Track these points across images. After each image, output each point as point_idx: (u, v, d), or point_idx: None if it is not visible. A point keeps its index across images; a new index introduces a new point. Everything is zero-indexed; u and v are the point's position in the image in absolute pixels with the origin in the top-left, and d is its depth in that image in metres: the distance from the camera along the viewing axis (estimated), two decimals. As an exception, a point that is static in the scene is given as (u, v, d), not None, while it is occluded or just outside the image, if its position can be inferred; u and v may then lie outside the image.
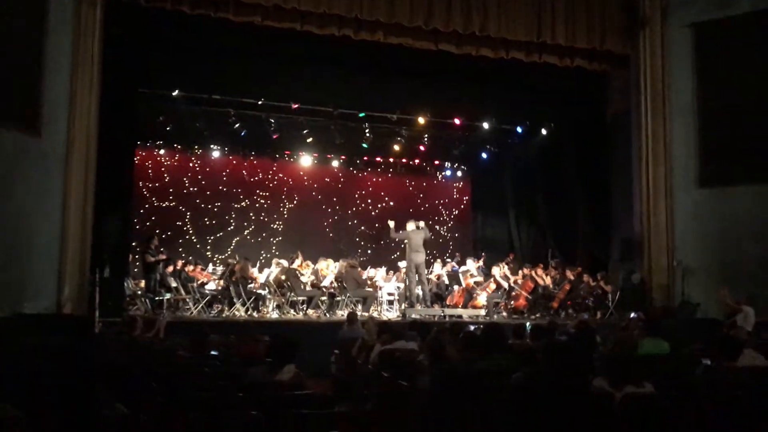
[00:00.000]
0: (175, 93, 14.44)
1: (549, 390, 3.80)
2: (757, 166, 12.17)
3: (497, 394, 4.10)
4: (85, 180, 11.14)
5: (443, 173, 20.42)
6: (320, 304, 13.57)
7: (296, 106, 15.25)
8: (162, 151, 17.70)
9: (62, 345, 6.30)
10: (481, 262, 15.93)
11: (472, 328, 9.20)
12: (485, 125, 16.61)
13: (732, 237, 12.40)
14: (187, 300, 13.24)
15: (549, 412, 2.50)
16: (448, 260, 17.21)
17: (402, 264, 14.71)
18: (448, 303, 14.41)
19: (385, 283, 14.94)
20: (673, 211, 13.04)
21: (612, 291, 13.88)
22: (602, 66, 13.94)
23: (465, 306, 14.05)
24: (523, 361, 5.23)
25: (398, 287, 14.55)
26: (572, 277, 14.47)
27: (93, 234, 11.27)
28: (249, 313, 12.80)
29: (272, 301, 13.40)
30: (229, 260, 14.82)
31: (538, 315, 13.75)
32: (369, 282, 14.62)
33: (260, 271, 14.82)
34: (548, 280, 14.65)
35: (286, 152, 18.44)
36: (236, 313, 12.79)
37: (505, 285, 14.48)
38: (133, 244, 14.62)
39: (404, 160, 19.46)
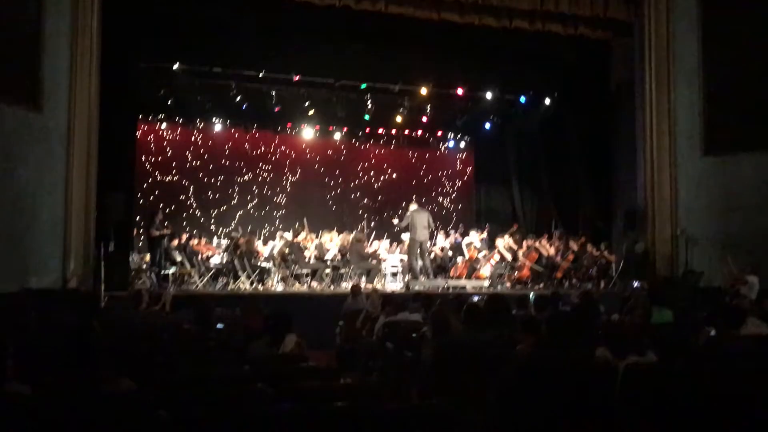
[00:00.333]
0: (176, 66, 14.34)
1: (553, 360, 3.82)
2: (762, 134, 12.07)
3: (501, 365, 4.12)
4: (88, 154, 11.14)
5: (446, 144, 20.32)
6: (324, 276, 13.61)
7: (297, 78, 15.14)
8: (164, 125, 17.63)
9: (68, 320, 6.36)
10: (484, 234, 15.93)
11: (475, 299, 9.25)
12: (488, 95, 16.48)
13: (736, 206, 12.35)
14: (193, 274, 13.30)
15: (553, 383, 2.51)
16: (452, 232, 17.21)
17: (405, 236, 14.71)
18: (451, 275, 14.42)
19: (389, 255, 14.96)
20: (677, 180, 12.99)
21: (615, 261, 13.90)
22: (606, 34, 13.81)
23: (468, 277, 14.08)
24: (527, 332, 5.25)
25: (402, 259, 14.56)
26: (576, 248, 14.48)
27: (97, 209, 11.30)
28: (254, 286, 12.86)
29: (277, 274, 13.45)
30: (233, 234, 14.84)
31: (541, 285, 13.79)
32: (372, 254, 14.65)
33: (264, 244, 14.85)
34: (552, 251, 14.66)
35: (288, 125, 18.35)
36: (241, 286, 12.85)
37: (509, 256, 14.49)
38: (137, 218, 14.65)
39: (407, 132, 19.35)
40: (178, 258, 13.35)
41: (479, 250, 14.88)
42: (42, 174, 10.69)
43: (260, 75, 14.96)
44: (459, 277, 14.13)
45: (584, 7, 12.89)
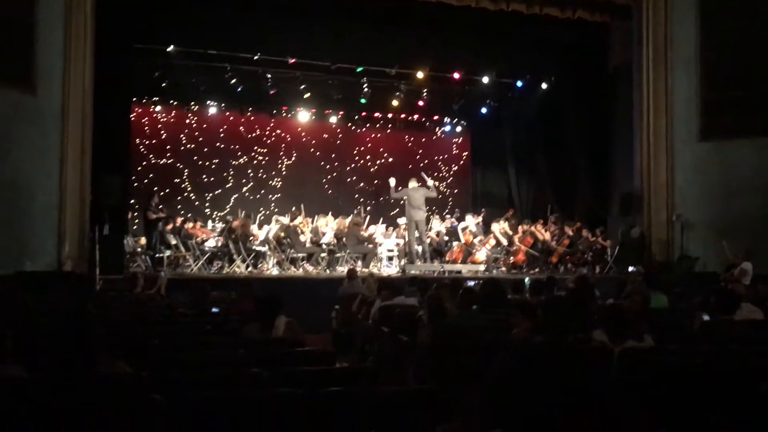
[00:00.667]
0: (171, 48, 14.22)
1: (550, 345, 3.82)
2: (758, 120, 12.08)
3: (497, 349, 4.12)
4: (82, 137, 11.09)
5: (443, 128, 20.26)
6: (320, 260, 13.60)
7: (293, 60, 15.02)
8: (158, 108, 17.50)
9: (63, 303, 6.34)
10: (480, 218, 15.93)
11: (471, 283, 9.26)
12: (485, 79, 16.41)
13: (732, 191, 12.37)
14: (188, 257, 13.28)
15: (550, 367, 2.51)
16: (448, 216, 17.20)
17: (401, 220, 14.70)
18: (447, 259, 14.44)
19: (385, 239, 14.96)
20: (673, 165, 12.99)
21: (611, 246, 13.92)
22: (604, 17, 13.75)
23: (464, 262, 14.10)
24: (523, 317, 5.26)
25: (398, 243, 14.56)
26: (571, 233, 14.50)
27: (91, 192, 11.25)
28: (249, 269, 12.85)
29: (272, 257, 13.44)
30: (228, 217, 14.80)
31: (537, 270, 13.81)
32: (368, 238, 14.64)
33: (260, 227, 14.82)
34: (548, 236, 14.67)
35: (284, 108, 18.24)
36: (236, 269, 12.84)
37: (504, 241, 14.50)
38: (132, 201, 14.59)
39: (403, 115, 19.25)
40: (173, 241, 13.33)
41: (475, 235, 14.88)
42: (36, 157, 10.64)
43: (255, 57, 14.83)
44: (455, 262, 14.15)
45: (582, -10, 12.84)
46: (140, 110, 16.98)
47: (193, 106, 17.71)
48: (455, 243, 14.99)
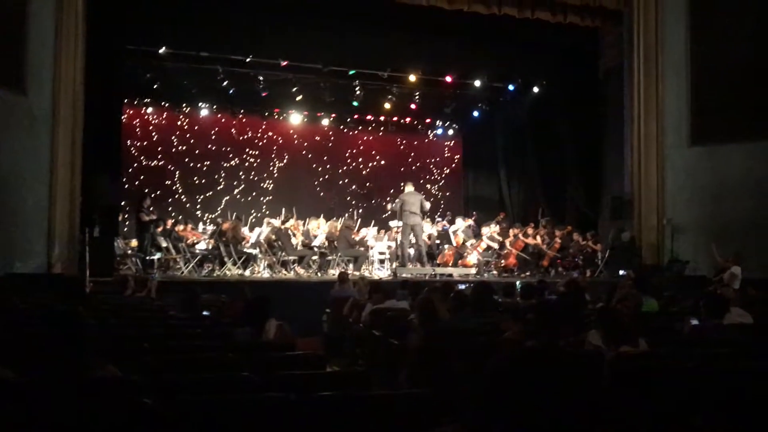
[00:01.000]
0: (162, 50, 14.18)
1: (543, 348, 3.82)
2: (748, 124, 12.15)
3: (488, 352, 4.12)
4: (73, 138, 11.04)
5: (434, 131, 20.29)
6: (311, 263, 13.58)
7: (285, 63, 15.02)
8: (150, 110, 17.45)
9: (53, 305, 6.30)
10: (471, 221, 15.94)
11: (462, 287, 9.26)
12: (477, 83, 16.46)
13: (722, 195, 12.44)
14: (178, 260, 13.22)
15: (543, 371, 2.51)
16: (439, 219, 17.22)
17: (393, 223, 14.69)
18: (438, 262, 14.45)
19: (376, 242, 14.95)
20: (664, 169, 13.06)
21: (602, 249, 13.96)
22: (595, 22, 13.81)
23: (455, 265, 14.11)
24: (514, 320, 5.27)
25: (389, 246, 14.56)
26: (562, 237, 14.53)
27: (82, 193, 11.20)
28: (240, 272, 12.81)
29: (263, 260, 13.40)
30: (218, 219, 14.76)
31: (528, 273, 13.83)
32: (360, 241, 14.62)
33: (251, 230, 14.78)
34: (538, 240, 14.70)
35: (276, 110, 18.24)
36: (227, 272, 12.80)
37: (495, 245, 14.52)
38: (122, 203, 14.53)
39: (395, 119, 19.29)
40: (164, 244, 13.26)
41: (466, 238, 14.90)
42: (27, 158, 10.58)
43: (248, 60, 14.82)
44: (446, 265, 14.16)
45: (574, -6, 12.89)
46: (132, 112, 16.94)
47: (184, 108, 17.66)
48: (446, 246, 15.00)
